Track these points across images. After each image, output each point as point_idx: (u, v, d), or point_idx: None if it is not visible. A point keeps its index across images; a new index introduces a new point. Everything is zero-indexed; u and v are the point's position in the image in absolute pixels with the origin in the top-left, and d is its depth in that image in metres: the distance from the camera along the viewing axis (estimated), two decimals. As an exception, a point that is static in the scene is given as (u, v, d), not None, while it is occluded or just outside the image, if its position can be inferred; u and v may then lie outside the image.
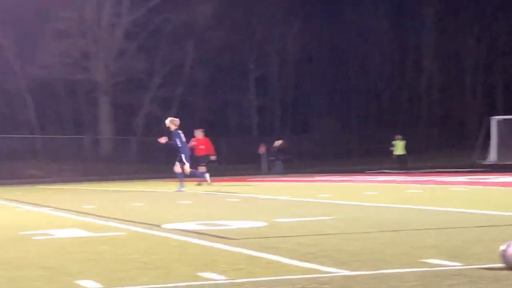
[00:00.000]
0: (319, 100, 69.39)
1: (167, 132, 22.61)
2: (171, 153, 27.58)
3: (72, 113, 64.55)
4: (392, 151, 38.01)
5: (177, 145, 21.67)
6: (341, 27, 66.80)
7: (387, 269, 6.09)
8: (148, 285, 5.65)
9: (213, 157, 28.37)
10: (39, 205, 17.05)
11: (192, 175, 22.94)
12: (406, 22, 68.45)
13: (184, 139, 21.90)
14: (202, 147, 27.99)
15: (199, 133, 28.19)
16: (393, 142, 38.09)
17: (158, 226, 10.47)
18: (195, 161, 27.86)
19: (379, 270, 6.06)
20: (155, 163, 51.10)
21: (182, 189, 21.48)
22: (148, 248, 8.04)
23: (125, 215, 12.72)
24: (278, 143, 41.16)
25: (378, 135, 60.27)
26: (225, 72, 67.11)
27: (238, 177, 36.75)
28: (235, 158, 53.61)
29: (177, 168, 22.02)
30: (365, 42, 68.95)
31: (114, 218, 12.16)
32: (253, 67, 66.89)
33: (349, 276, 5.83)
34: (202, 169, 27.56)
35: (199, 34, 61.45)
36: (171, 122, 21.87)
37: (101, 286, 5.66)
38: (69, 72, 57.78)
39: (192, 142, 27.67)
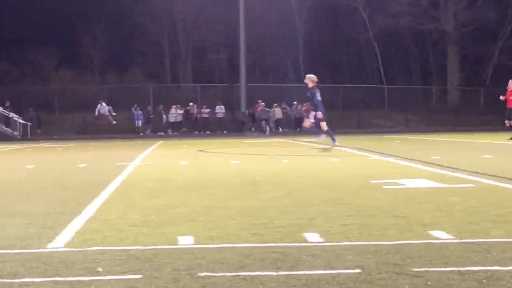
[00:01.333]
0: None
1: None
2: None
3: (419, 63, 64.58)
4: None
5: (313, 102, 21.10)
6: None
7: None
8: (502, 238, 5.53)
9: None
10: (388, 154, 17.35)
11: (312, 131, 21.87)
12: None
13: (320, 97, 21.07)
14: None
15: None
16: None
17: (510, 179, 10.15)
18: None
19: None
20: (502, 115, 49.52)
21: (334, 143, 20.93)
22: (499, 201, 7.83)
23: (474, 167, 12.49)
24: None
25: None
26: None
27: None
28: None
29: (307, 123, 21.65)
30: None
31: (463, 170, 11.99)
32: None
33: None
34: None
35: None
36: (309, 79, 21.21)
37: (453, 237, 5.62)
38: (418, 22, 57.73)
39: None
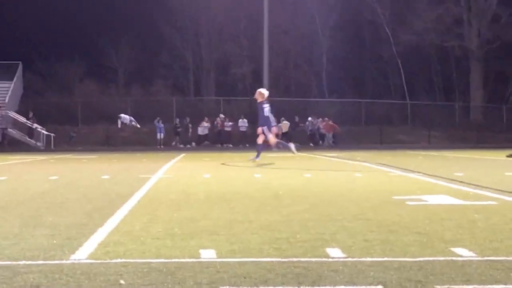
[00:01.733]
0: None
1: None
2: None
3: (443, 80, 64.39)
4: None
5: (262, 115, 21.48)
6: None
7: None
8: (525, 258, 5.51)
9: None
10: (410, 170, 17.29)
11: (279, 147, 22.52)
12: None
13: (268, 112, 21.50)
14: None
15: None
16: None
17: (533, 198, 10.10)
18: None
19: None
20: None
21: (256, 159, 21.52)
22: (522, 220, 7.80)
23: (497, 184, 12.42)
24: None
25: None
26: None
27: None
28: None
29: (260, 140, 21.96)
30: None
31: (485, 187, 11.94)
32: None
33: None
34: None
35: None
36: (258, 94, 21.61)
37: (475, 254, 5.61)
38: (441, 39, 57.65)
39: None
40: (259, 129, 21.87)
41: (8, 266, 5.27)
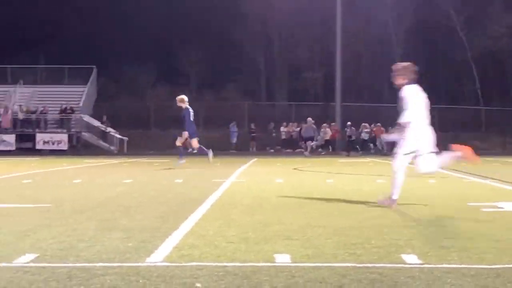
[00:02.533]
0: None
1: None
2: None
3: (518, 85, 63.12)
4: None
5: (184, 121, 22.46)
6: None
7: None
8: None
9: None
10: (485, 177, 17.02)
11: (199, 151, 23.42)
12: None
13: (192, 118, 22.58)
14: None
15: None
16: None
17: None
18: None
19: None
20: None
21: (180, 162, 22.67)
22: None
23: None
24: None
25: None
26: None
27: None
28: None
29: (178, 142, 23.17)
30: None
31: None
32: None
33: None
34: None
35: None
36: (178, 100, 22.60)
37: (555, 264, 5.49)
38: (517, 44, 56.56)
39: None
40: (185, 133, 22.87)
41: (85, 268, 5.36)
